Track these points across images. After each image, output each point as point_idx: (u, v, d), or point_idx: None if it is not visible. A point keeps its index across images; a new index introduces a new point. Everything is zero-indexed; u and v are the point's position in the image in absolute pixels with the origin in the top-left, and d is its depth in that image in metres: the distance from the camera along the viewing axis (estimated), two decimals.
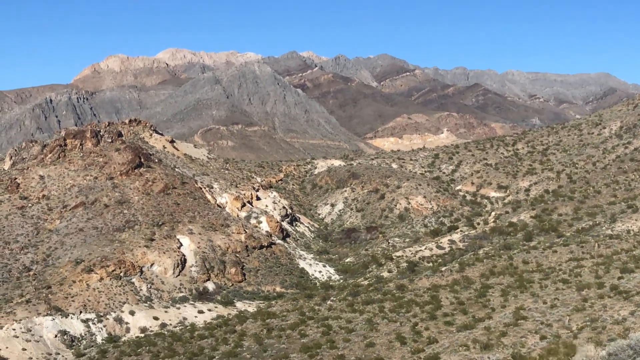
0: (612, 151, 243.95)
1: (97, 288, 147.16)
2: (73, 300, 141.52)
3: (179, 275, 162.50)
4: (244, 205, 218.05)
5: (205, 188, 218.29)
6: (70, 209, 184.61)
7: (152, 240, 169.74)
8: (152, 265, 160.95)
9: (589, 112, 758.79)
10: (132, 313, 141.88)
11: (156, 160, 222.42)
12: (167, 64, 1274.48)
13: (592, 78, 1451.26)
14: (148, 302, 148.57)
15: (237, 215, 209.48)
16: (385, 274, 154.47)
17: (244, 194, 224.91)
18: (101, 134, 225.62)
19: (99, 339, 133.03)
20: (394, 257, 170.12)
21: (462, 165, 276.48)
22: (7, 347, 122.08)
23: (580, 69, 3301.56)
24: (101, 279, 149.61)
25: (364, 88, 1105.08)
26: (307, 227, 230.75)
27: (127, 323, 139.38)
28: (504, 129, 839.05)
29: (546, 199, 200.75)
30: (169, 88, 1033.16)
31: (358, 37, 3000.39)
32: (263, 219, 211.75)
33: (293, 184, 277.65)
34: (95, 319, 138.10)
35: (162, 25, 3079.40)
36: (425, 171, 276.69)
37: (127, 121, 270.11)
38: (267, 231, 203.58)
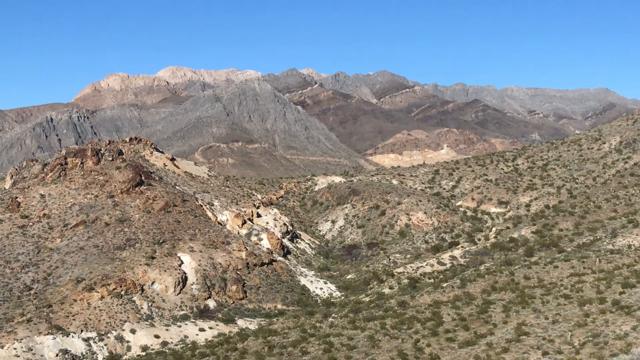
0: (612, 166, 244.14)
1: (98, 307, 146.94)
2: (74, 319, 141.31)
3: (180, 293, 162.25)
4: (244, 222, 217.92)
5: (205, 206, 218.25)
6: (71, 228, 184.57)
7: (153, 258, 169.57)
8: (153, 283, 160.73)
9: (589, 128, 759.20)
10: (133, 331, 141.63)
11: (157, 178, 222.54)
12: (168, 82, 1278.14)
13: (592, 93, 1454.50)
14: (149, 321, 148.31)
15: (238, 233, 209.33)
16: (386, 291, 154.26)
17: (245, 211, 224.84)
18: (102, 152, 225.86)
19: (100, 358, 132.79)
20: (395, 274, 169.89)
21: (462, 181, 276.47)
22: None
23: (579, 84, 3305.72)
24: (102, 297, 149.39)
25: (364, 105, 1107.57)
26: (308, 243, 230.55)
27: (128, 342, 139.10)
28: (503, 144, 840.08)
29: (547, 214, 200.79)
30: (169, 106, 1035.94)
31: (357, 54, 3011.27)
32: (264, 236, 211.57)
33: (294, 201, 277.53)
34: (97, 338, 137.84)
35: (162, 44, 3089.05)
36: (425, 187, 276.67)
37: (127, 139, 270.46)
38: (268, 248, 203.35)
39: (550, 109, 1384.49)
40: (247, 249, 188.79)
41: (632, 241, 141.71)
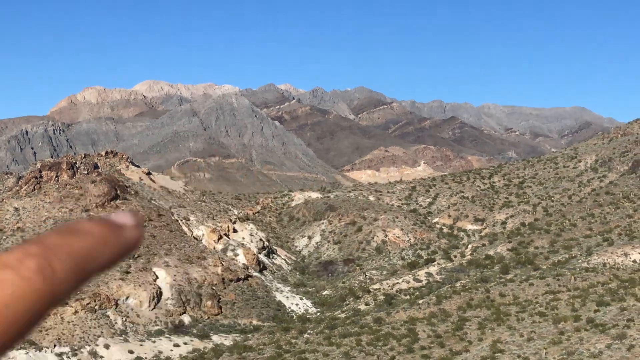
0: (587, 184, 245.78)
1: (72, 321, 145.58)
2: (47, 334, 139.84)
3: (154, 308, 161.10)
4: (220, 237, 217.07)
5: (181, 220, 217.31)
6: None
7: (128, 272, 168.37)
8: (127, 298, 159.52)
9: (565, 146, 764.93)
10: (107, 347, 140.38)
11: (132, 192, 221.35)
12: (145, 96, 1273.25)
13: (568, 112, 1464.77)
14: (123, 336, 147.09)
15: (214, 248, 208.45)
16: (362, 307, 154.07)
17: (221, 227, 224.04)
18: (77, 165, 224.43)
19: None
20: (371, 290, 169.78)
21: (439, 198, 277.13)
22: None
23: (555, 102, 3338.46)
24: (76, 312, 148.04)
25: (341, 121, 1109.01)
26: (284, 259, 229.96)
27: (101, 357, 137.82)
28: (480, 162, 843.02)
29: (522, 232, 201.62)
30: (146, 120, 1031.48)
31: (335, 70, 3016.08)
32: (240, 251, 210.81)
33: (270, 216, 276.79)
34: (70, 353, 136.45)
35: (139, 58, 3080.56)
36: (402, 204, 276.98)
37: (103, 153, 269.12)
38: (243, 264, 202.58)
39: (526, 126, 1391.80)
40: (222, 264, 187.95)
41: (607, 259, 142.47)
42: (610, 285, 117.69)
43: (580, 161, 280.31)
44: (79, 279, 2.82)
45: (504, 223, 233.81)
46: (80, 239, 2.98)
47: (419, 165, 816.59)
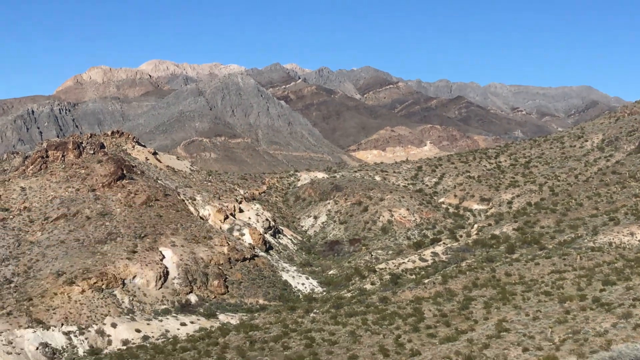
0: (594, 164, 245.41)
1: (79, 300, 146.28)
2: (54, 313, 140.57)
3: (161, 287, 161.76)
4: (226, 217, 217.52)
5: (188, 200, 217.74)
6: (51, 221, 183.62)
7: (134, 252, 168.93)
8: (134, 277, 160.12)
9: (571, 125, 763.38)
10: (114, 325, 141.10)
11: (139, 172, 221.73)
12: (150, 76, 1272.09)
13: (574, 91, 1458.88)
14: (130, 315, 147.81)
15: (220, 228, 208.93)
16: (368, 287, 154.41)
17: (227, 206, 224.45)
18: (83, 145, 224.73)
19: (80, 352, 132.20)
20: (377, 270, 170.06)
21: (445, 178, 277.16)
22: None
23: (562, 82, 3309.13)
24: (83, 291, 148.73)
25: (347, 100, 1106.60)
26: (290, 239, 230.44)
27: (109, 335, 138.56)
28: (486, 141, 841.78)
29: (528, 212, 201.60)
30: (151, 100, 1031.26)
31: (341, 49, 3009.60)
32: (246, 231, 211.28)
33: (276, 197, 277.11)
34: (77, 332, 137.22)
35: (145, 37, 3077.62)
36: (408, 184, 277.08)
37: (109, 133, 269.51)
38: (250, 243, 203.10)
39: (533, 106, 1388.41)
40: (229, 244, 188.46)
41: (613, 239, 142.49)
42: (616, 265, 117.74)
43: (586, 140, 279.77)
44: None
45: (510, 203, 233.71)
46: None
47: (425, 145, 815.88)
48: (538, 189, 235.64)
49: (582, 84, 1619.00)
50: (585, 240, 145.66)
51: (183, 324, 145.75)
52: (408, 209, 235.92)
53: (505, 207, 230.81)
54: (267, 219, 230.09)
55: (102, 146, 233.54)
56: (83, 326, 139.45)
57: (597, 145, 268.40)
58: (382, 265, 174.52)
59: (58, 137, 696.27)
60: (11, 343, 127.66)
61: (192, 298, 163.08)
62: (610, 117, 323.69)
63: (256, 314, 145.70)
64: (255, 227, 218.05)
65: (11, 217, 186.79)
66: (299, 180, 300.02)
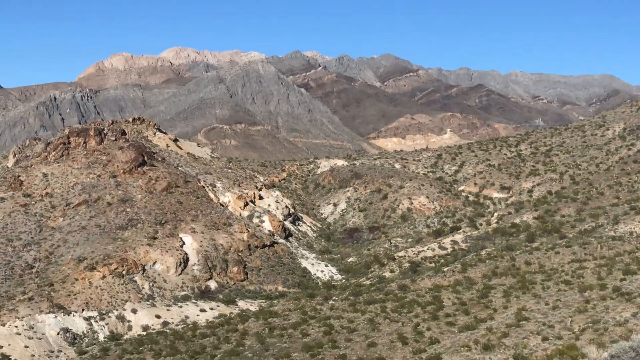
0: (615, 153, 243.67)
1: (100, 286, 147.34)
2: (75, 298, 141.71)
3: (181, 273, 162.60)
4: (246, 204, 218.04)
5: (208, 187, 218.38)
6: (73, 207, 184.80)
7: (155, 238, 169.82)
8: (154, 263, 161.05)
9: (592, 114, 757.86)
10: (134, 311, 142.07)
11: (159, 159, 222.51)
12: (171, 63, 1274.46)
13: (596, 79, 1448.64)
14: (150, 301, 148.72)
15: (240, 215, 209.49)
16: (387, 274, 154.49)
17: (247, 193, 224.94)
18: (105, 132, 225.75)
19: (101, 337, 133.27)
20: (396, 257, 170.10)
21: (465, 166, 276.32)
22: (9, 345, 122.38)
23: (583, 70, 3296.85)
24: (103, 277, 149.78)
25: (367, 88, 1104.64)
26: (310, 226, 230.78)
27: (129, 321, 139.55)
28: (507, 129, 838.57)
29: (549, 200, 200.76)
30: (172, 87, 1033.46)
31: (362, 37, 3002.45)
32: (265, 218, 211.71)
33: (296, 184, 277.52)
34: (98, 317, 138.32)
35: (166, 24, 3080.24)
36: (428, 171, 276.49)
37: (130, 120, 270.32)
38: (269, 230, 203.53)
39: (554, 94, 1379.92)
40: (248, 231, 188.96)
41: (634, 228, 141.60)
42: (636, 254, 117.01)
43: (608, 129, 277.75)
44: None
45: (530, 191, 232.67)
46: None
47: (445, 133, 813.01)
48: (559, 178, 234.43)
49: (604, 72, 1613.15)
50: (606, 230, 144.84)
51: (202, 310, 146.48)
52: (428, 197, 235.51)
53: (526, 195, 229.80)
54: (286, 206, 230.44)
55: (124, 133, 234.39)
56: (104, 312, 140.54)
57: (619, 134, 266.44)
58: (402, 253, 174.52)
59: (80, 123, 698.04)
60: (32, 328, 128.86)
61: (212, 284, 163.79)
62: (632, 106, 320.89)
63: (275, 301, 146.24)
64: (275, 214, 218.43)
65: (33, 202, 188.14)
66: (318, 167, 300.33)
